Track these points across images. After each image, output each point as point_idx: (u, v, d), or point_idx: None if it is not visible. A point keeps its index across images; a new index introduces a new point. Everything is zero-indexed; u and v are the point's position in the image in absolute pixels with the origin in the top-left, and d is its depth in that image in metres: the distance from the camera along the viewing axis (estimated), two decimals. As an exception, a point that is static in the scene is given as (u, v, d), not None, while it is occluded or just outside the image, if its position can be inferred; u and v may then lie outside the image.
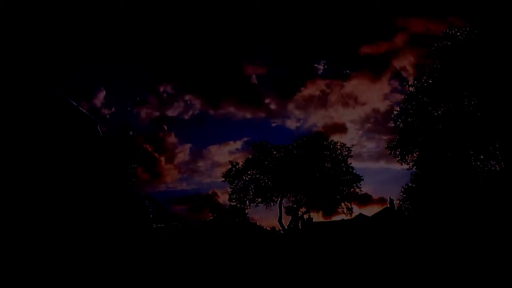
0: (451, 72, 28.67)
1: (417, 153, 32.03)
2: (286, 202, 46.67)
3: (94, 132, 12.98)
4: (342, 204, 46.23)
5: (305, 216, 46.76)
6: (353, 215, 45.62)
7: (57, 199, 10.85)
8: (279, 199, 46.34)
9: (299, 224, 46.61)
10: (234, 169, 47.06)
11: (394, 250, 26.90)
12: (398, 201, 39.74)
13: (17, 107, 9.96)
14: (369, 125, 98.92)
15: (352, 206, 46.51)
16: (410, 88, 31.60)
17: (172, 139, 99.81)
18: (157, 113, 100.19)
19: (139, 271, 20.89)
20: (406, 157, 32.19)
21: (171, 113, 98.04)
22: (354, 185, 45.92)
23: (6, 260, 8.94)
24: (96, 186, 19.36)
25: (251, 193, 46.71)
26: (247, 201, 46.77)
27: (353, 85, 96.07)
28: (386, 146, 33.16)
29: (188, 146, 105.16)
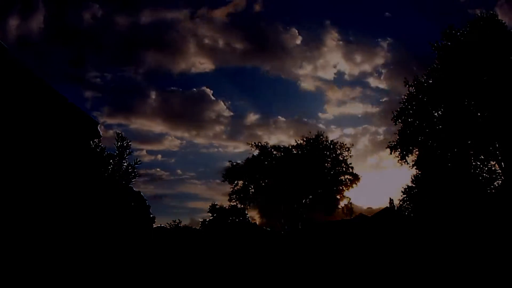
0: (451, 72, 28.67)
1: (417, 153, 32.02)
2: (286, 203, 46.74)
3: (94, 132, 12.97)
4: (342, 203, 46.34)
5: (305, 216, 46.78)
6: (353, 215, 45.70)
7: (56, 199, 10.86)
8: (279, 199, 46.37)
9: (299, 224, 46.61)
10: (234, 169, 47.11)
11: (394, 250, 26.89)
12: (398, 201, 39.75)
13: (16, 108, 9.97)
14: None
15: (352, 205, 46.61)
16: (410, 88, 31.63)
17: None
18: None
19: (139, 271, 20.91)
20: (406, 157, 32.23)
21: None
22: (354, 184, 46.10)
23: (5, 260, 8.95)
24: (96, 186, 19.39)
25: (251, 193, 46.74)
26: (247, 201, 46.81)
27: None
28: (386, 146, 33.16)
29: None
